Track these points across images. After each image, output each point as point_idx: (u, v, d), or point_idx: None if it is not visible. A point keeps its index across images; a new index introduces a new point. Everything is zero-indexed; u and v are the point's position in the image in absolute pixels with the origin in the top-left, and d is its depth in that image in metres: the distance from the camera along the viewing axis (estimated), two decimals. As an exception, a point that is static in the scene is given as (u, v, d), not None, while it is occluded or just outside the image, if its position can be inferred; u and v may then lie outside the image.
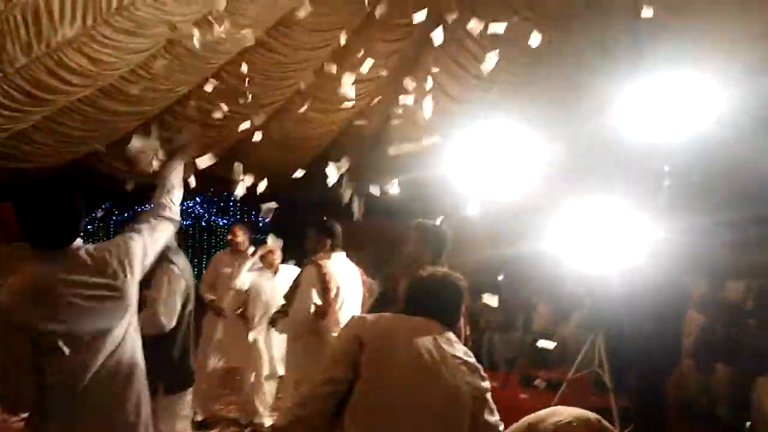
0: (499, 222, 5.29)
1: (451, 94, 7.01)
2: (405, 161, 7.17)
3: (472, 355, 2.06)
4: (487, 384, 2.01)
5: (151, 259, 2.22)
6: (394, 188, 6.06)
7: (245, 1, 5.73)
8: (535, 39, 3.83)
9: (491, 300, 3.66)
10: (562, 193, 4.56)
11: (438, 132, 6.73)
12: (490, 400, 2.00)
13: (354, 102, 7.72)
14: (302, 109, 6.30)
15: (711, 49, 4.72)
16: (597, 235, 3.87)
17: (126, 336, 2.07)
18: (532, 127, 5.32)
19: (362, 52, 7.00)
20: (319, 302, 3.55)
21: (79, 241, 2.07)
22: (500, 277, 6.02)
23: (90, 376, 1.96)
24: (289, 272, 5.00)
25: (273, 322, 3.92)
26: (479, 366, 2.03)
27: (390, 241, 4.97)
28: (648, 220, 3.57)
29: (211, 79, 5.56)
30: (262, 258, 4.96)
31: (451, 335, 2.06)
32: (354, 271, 3.91)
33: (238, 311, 5.01)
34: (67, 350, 1.91)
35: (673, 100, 3.96)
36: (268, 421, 4.80)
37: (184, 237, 11.35)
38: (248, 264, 4.93)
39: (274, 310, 4.37)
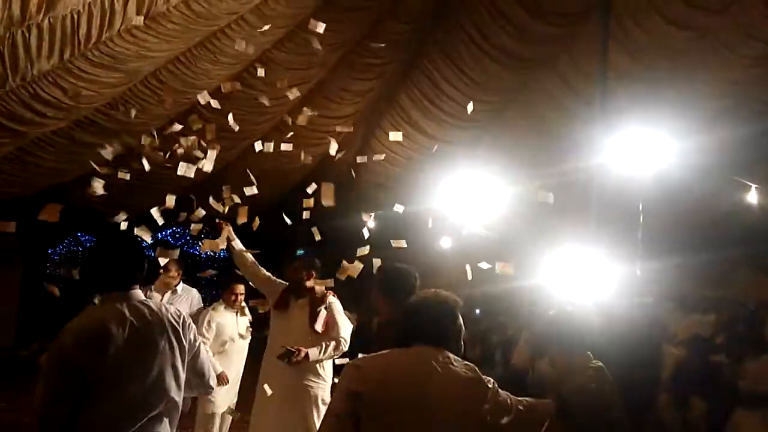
0: (475, 257, 5.37)
1: (425, 131, 7.16)
2: (381, 196, 7.28)
3: (475, 368, 2.02)
4: (495, 387, 1.98)
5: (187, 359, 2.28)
6: (370, 222, 6.12)
7: (224, 40, 5.80)
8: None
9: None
10: (539, 229, 4.68)
11: (415, 168, 6.88)
12: (501, 401, 1.97)
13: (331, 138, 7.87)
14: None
15: (676, 97, 4.97)
16: (573, 272, 3.97)
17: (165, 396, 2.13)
18: (507, 165, 5.49)
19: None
20: None
21: (139, 291, 2.19)
22: (477, 311, 6.06)
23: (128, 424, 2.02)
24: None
25: (288, 356, 3.70)
26: (482, 377, 1.99)
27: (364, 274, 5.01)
28: (623, 257, 3.68)
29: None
30: (227, 299, 5.02)
31: (449, 354, 2.01)
32: None
33: None
34: (111, 393, 1.99)
35: (641, 143, 4.12)
36: None
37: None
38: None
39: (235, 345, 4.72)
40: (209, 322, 4.89)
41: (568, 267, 4.05)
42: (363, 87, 7.22)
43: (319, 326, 3.79)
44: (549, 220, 5.20)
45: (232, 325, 4.98)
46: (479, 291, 5.97)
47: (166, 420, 2.13)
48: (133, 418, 2.02)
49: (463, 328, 2.12)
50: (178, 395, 2.17)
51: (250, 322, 5.15)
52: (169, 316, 2.19)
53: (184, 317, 2.25)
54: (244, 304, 5.15)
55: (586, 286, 3.80)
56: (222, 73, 6.24)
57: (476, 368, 2.00)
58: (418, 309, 2.13)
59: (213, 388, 2.47)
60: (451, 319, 2.09)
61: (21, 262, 7.43)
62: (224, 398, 4.80)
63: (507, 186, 5.27)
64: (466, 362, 2.02)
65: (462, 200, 5.95)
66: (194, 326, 2.33)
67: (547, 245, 4.30)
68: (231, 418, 4.92)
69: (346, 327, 3.94)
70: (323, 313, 3.85)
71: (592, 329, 2.70)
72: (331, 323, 3.86)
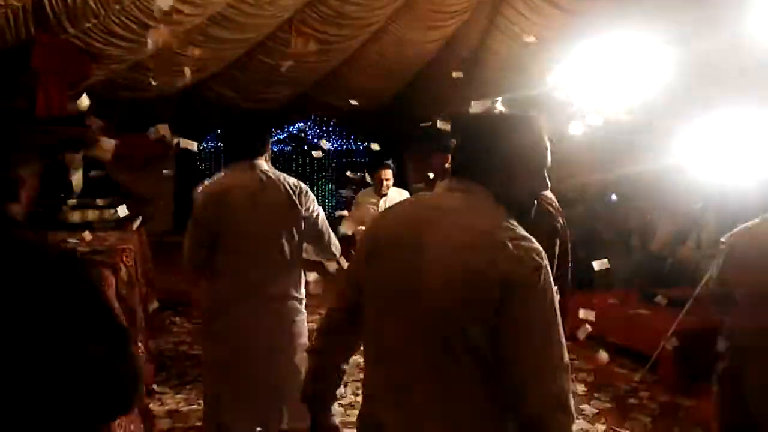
0: (612, 139, 5.07)
1: (558, 4, 6.63)
2: (508, 79, 6.99)
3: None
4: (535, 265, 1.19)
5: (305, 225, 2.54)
6: (498, 106, 5.94)
7: None
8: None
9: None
10: (685, 104, 4.29)
11: (544, 46, 6.47)
12: (534, 288, 1.19)
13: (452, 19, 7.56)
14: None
15: None
16: (728, 150, 3.66)
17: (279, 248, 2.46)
18: (648, 35, 4.99)
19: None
20: None
21: (263, 162, 2.50)
22: (613, 197, 5.82)
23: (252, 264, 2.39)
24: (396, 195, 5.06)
25: None
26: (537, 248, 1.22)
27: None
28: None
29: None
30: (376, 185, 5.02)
31: (510, 223, 1.26)
32: None
33: None
34: (234, 243, 2.39)
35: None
36: None
37: (287, 161, 11.87)
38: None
39: None
40: (356, 203, 4.99)
41: (723, 143, 3.73)
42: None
43: None
44: (702, 90, 4.73)
45: (374, 207, 5.08)
46: (616, 174, 5.67)
47: (285, 271, 2.45)
48: (254, 265, 2.37)
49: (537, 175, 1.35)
50: (293, 251, 2.46)
51: None
52: (287, 184, 2.47)
53: (302, 186, 2.51)
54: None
55: (746, 163, 3.51)
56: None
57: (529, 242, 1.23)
58: (471, 128, 1.37)
59: (335, 255, 2.68)
60: (516, 150, 1.31)
61: (174, 156, 8.18)
62: None
63: (650, 57, 4.83)
64: (515, 229, 1.25)
65: (596, 79, 5.55)
66: (312, 196, 2.57)
67: (697, 120, 3.96)
68: None
69: None
70: None
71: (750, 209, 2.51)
72: None
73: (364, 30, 7.38)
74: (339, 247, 2.70)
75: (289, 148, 11.67)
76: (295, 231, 2.44)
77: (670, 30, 5.32)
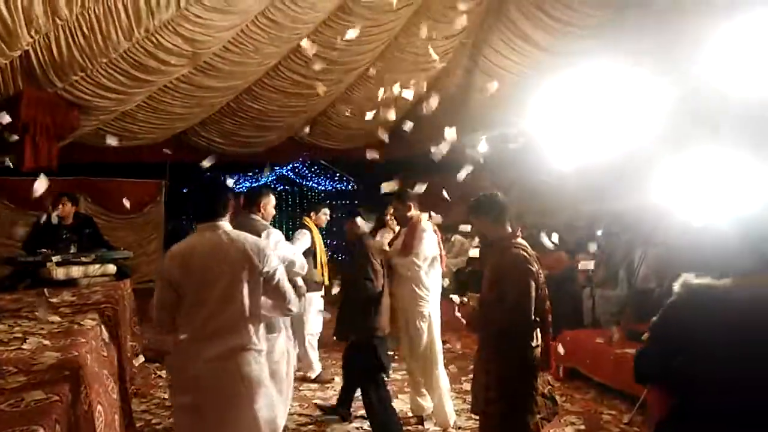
0: (597, 176, 5.11)
1: (539, 44, 6.77)
2: (492, 117, 7.07)
3: None
4: None
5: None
6: (481, 145, 5.98)
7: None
8: None
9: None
10: (664, 143, 4.35)
11: (528, 84, 6.57)
12: None
13: (437, 61, 7.68)
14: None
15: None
16: (705, 186, 3.69)
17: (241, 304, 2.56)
18: (624, 76, 5.08)
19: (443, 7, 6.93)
20: None
21: (225, 223, 2.63)
22: (599, 232, 5.84)
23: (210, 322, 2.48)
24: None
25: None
26: None
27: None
28: (762, 170, 3.36)
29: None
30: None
31: None
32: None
33: None
34: (195, 301, 2.48)
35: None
36: None
37: (279, 200, 12.07)
38: None
39: None
40: None
41: (702, 177, 3.77)
42: (469, 2, 6.90)
43: (395, 246, 4.19)
44: (679, 127, 4.79)
45: None
46: (605, 208, 5.66)
47: (244, 323, 2.54)
48: (213, 318, 2.47)
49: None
50: (252, 305, 2.56)
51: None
52: (247, 243, 2.60)
53: (260, 246, 2.63)
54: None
55: (724, 197, 3.54)
56: (326, 5, 6.23)
57: None
58: None
59: (291, 311, 2.81)
60: None
61: (164, 200, 8.24)
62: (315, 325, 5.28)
63: (630, 95, 4.92)
64: None
65: (579, 117, 5.62)
66: (272, 254, 2.67)
67: (676, 155, 4.02)
68: None
69: (422, 250, 4.08)
70: (402, 235, 4.19)
71: (726, 249, 2.49)
72: (407, 244, 4.03)
73: (349, 74, 7.50)
74: (297, 302, 2.83)
75: (280, 187, 11.87)
76: (253, 286, 2.57)
77: (653, 66, 5.44)
